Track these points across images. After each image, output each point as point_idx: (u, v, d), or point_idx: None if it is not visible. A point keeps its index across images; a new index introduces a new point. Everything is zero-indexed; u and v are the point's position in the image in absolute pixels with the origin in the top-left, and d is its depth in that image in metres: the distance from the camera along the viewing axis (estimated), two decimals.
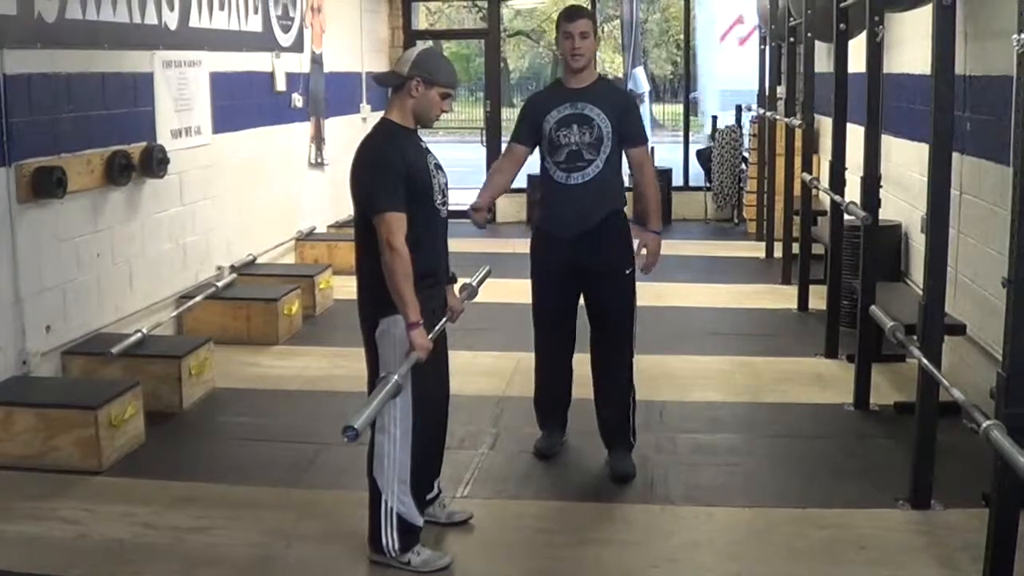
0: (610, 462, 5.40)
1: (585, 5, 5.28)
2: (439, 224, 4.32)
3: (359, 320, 4.33)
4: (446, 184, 4.36)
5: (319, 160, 10.71)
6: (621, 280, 5.31)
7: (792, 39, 9.70)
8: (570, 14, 5.25)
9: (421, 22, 15.96)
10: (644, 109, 14.09)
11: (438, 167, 4.32)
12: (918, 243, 7.35)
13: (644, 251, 5.34)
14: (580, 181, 5.19)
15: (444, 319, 4.44)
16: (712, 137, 13.64)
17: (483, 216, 5.29)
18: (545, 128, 5.22)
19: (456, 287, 4.64)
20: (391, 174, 4.09)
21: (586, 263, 5.25)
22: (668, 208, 13.35)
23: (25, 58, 5.76)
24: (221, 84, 8.30)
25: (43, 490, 5.05)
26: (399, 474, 4.23)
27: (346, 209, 11.11)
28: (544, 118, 5.24)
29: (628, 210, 5.46)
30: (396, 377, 3.92)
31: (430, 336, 4.16)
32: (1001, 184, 5.44)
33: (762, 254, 11.02)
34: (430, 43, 4.32)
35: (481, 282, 5.00)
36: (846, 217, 6.88)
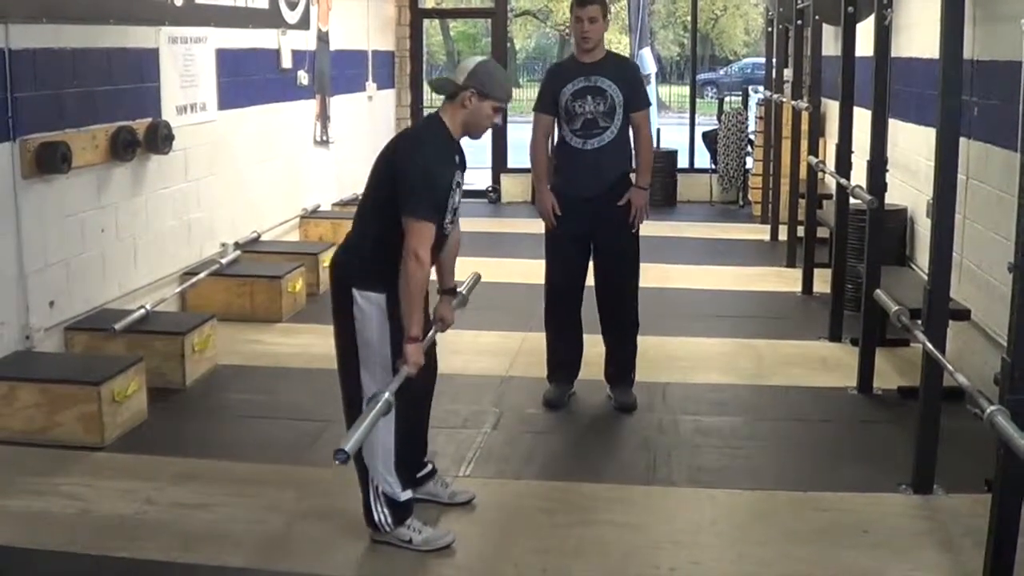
0: (614, 396, 5.96)
1: None
2: (439, 241, 4.29)
3: (330, 279, 4.30)
4: (459, 202, 4.37)
5: (324, 138, 10.69)
6: (628, 236, 5.84)
7: (800, 22, 9.67)
8: (581, 0, 5.66)
9: (428, 1, 15.91)
10: (650, 91, 14.03)
11: (459, 184, 4.32)
12: (924, 228, 7.34)
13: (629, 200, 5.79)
14: (596, 146, 5.72)
15: (433, 329, 4.47)
16: (718, 119, 13.61)
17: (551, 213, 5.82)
18: (561, 99, 5.73)
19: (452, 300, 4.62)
20: (435, 187, 4.12)
21: (600, 220, 5.76)
22: (673, 190, 13.35)
23: (30, 33, 5.74)
24: (227, 61, 8.28)
25: (45, 465, 5.06)
26: (383, 456, 4.23)
27: (351, 187, 11.16)
28: (561, 90, 5.74)
29: None
30: (387, 395, 3.90)
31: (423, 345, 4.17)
32: (1008, 169, 5.42)
33: (767, 237, 11.00)
34: (488, 57, 4.65)
35: (471, 290, 4.98)
36: (852, 201, 6.87)
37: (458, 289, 4.69)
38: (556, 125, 5.85)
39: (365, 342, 4.19)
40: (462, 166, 4.34)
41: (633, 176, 5.92)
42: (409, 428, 4.39)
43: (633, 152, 5.93)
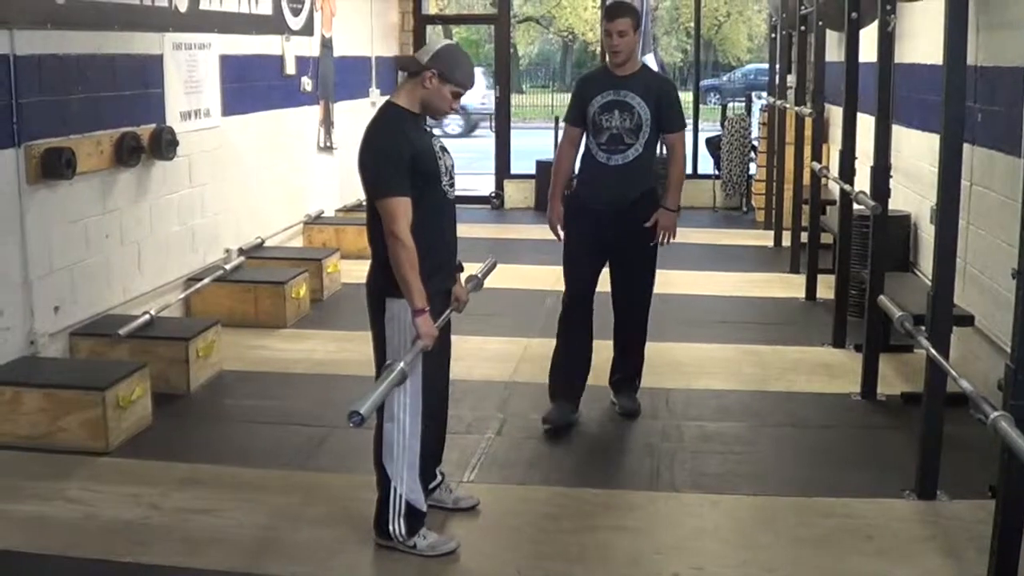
0: (618, 402, 5.92)
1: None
2: (447, 207, 4.31)
3: (366, 296, 4.32)
4: (452, 166, 4.34)
5: (328, 144, 10.71)
6: (647, 251, 5.75)
7: (803, 27, 9.69)
8: (610, 12, 5.62)
9: (431, 7, 15.92)
10: None
11: (443, 149, 4.31)
12: (927, 234, 7.34)
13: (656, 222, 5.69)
14: (620, 163, 5.62)
15: (450, 308, 4.45)
16: (722, 125, 13.62)
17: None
18: (589, 111, 5.64)
19: (462, 277, 4.63)
20: (396, 158, 4.08)
21: (618, 234, 5.66)
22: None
23: (36, 39, 5.75)
24: (231, 67, 8.30)
25: (50, 470, 5.07)
26: (409, 460, 4.23)
27: (354, 193, 11.17)
28: (589, 102, 5.65)
29: None
30: (402, 364, 3.91)
31: (436, 324, 4.16)
32: (1012, 175, 5.43)
33: (770, 243, 11.00)
34: (455, 41, 4.59)
35: (487, 274, 5.00)
36: (855, 207, 6.87)
37: (475, 273, 4.74)
38: (584, 135, 5.73)
39: (392, 348, 4.18)
40: (431, 135, 4.33)
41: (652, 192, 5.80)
42: (433, 436, 4.42)
43: (667, 167, 5.80)
